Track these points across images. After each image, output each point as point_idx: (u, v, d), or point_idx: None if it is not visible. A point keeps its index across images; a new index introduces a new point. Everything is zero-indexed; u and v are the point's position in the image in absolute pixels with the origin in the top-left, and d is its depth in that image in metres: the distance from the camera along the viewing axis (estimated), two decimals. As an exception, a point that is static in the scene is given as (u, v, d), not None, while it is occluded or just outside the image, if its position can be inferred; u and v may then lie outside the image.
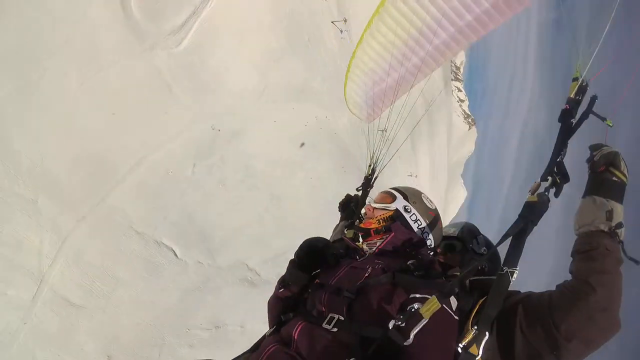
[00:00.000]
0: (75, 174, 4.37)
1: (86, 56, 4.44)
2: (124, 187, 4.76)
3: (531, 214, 1.30)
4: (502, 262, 1.26)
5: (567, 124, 1.49)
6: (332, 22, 10.06)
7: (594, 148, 1.39)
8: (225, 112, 6.37)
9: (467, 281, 1.44)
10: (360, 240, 1.64)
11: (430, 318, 1.05)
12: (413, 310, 1.07)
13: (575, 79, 1.55)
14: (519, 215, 1.31)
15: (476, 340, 1.13)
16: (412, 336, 1.02)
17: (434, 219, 1.63)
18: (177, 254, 5.27)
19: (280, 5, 7.15)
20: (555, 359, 1.14)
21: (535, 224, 1.30)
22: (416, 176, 18.37)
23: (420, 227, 1.58)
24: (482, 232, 1.87)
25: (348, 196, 2.23)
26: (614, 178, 1.31)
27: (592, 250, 1.22)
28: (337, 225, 2.11)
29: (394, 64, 2.81)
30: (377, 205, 1.69)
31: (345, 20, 10.65)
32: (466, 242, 1.74)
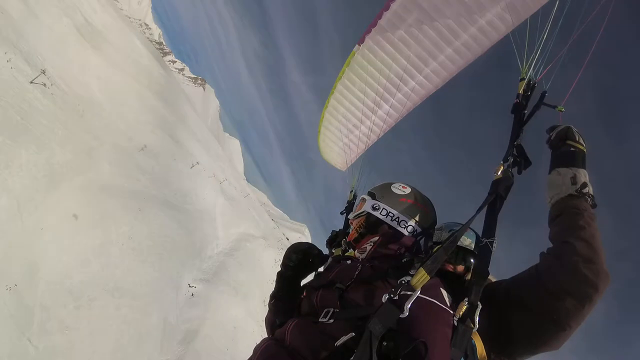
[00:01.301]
0: None
1: None
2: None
3: (498, 188, 1.36)
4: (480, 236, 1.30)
5: (520, 115, 1.64)
6: (31, 82, 8.49)
7: (550, 130, 1.50)
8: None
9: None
10: (354, 252, 1.66)
11: (422, 291, 1.07)
12: (404, 282, 1.08)
13: (522, 79, 1.76)
14: (488, 192, 1.38)
15: (470, 312, 1.13)
16: (406, 309, 1.01)
17: (409, 204, 1.58)
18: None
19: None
20: (556, 325, 1.12)
21: (505, 198, 1.36)
22: (198, 163, 18.80)
23: (394, 218, 1.53)
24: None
25: (333, 232, 2.12)
26: (572, 149, 1.39)
27: (563, 214, 1.27)
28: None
29: (366, 112, 2.89)
30: (354, 216, 1.70)
31: (43, 72, 9.12)
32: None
